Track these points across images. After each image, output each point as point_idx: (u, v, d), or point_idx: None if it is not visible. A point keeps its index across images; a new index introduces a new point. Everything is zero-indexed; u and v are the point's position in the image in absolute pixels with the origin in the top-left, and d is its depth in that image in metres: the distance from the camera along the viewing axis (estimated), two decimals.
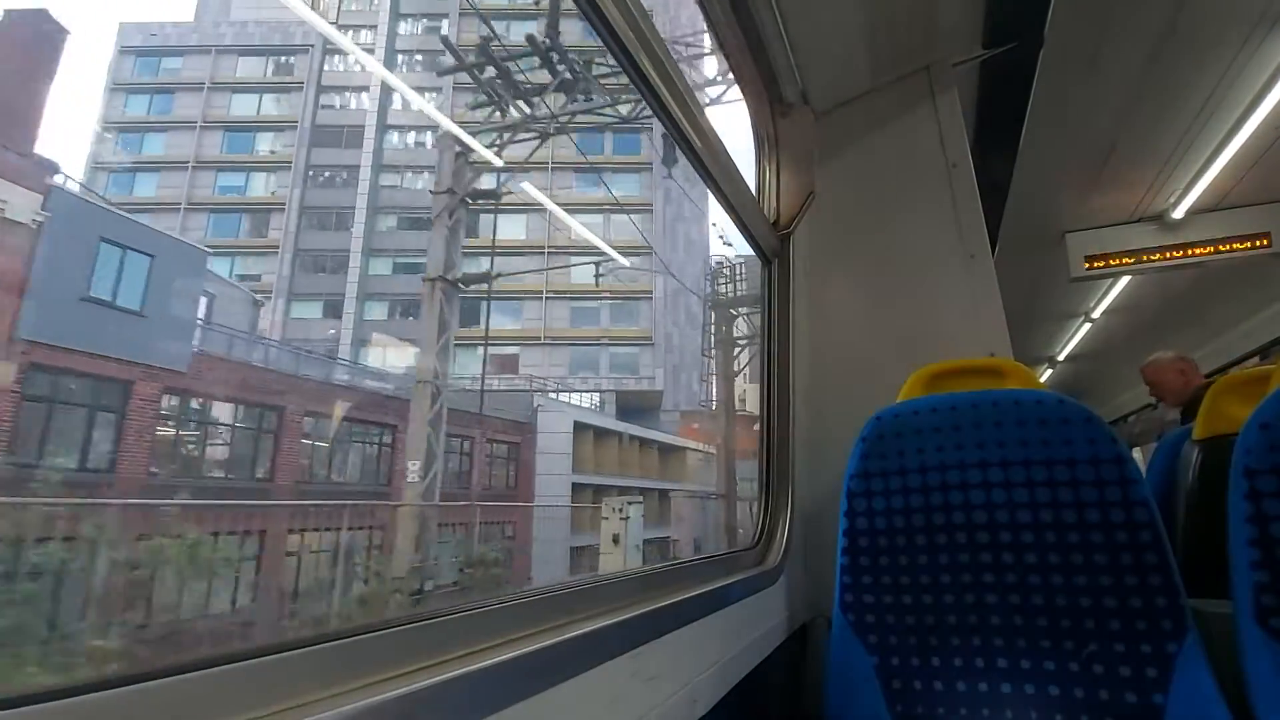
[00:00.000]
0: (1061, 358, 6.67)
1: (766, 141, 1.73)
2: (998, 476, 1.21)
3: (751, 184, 1.60)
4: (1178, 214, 3.55)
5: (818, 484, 1.58)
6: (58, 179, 8.46)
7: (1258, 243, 3.49)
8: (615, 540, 9.93)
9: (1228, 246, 3.57)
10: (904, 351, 1.62)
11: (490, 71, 9.38)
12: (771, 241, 1.64)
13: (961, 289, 1.63)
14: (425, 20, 35.09)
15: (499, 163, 9.91)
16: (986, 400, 1.27)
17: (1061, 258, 3.83)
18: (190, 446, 12.25)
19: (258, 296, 22.19)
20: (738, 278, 17.33)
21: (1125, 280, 4.49)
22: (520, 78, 9.56)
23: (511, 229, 32.00)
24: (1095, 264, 3.78)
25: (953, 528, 1.22)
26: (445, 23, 33.53)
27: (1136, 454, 4.58)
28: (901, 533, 1.24)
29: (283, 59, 34.41)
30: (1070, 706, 1.09)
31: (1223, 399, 1.50)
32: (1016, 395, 1.25)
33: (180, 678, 0.43)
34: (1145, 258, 3.72)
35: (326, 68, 34.54)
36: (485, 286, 13.18)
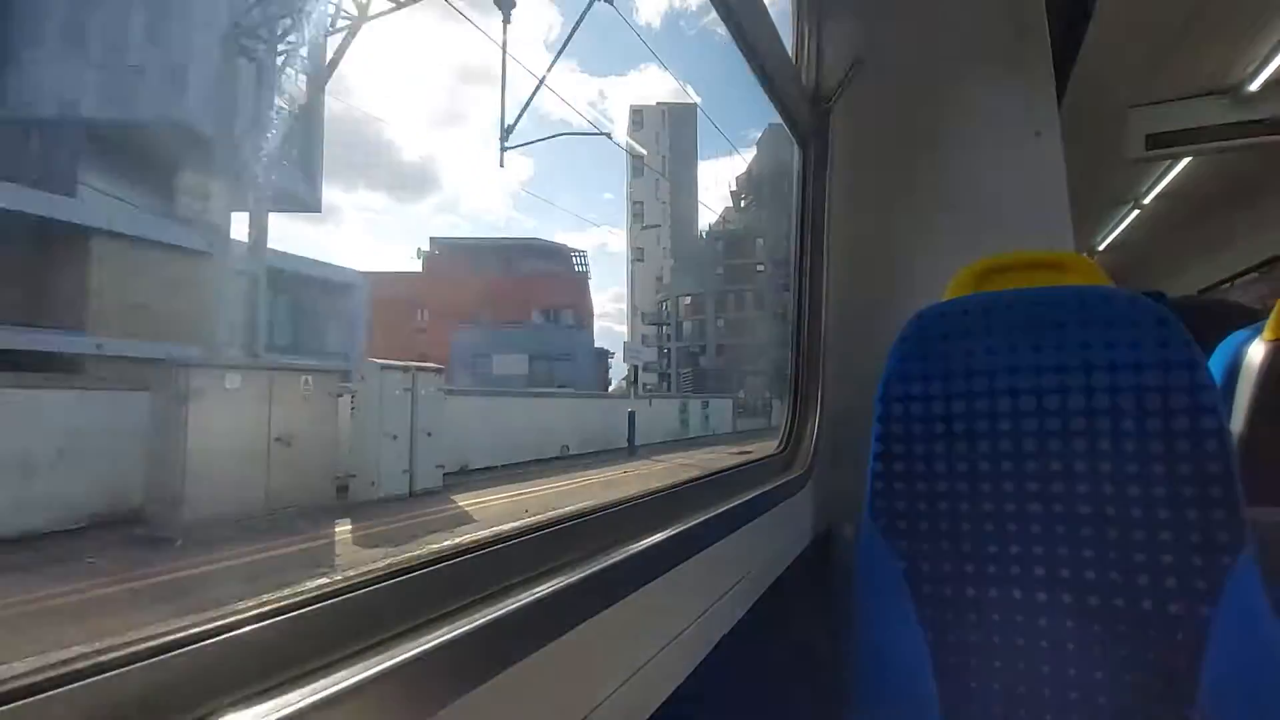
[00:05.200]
0: (1102, 248, 6.35)
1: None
2: (1052, 382, 1.12)
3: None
4: (1254, 86, 3.19)
5: (850, 385, 1.49)
6: None
7: None
8: None
9: None
10: (954, 243, 1.48)
11: None
12: (808, 118, 1.46)
13: (1023, 172, 1.46)
14: None
15: None
16: (1047, 298, 1.15)
17: (1120, 136, 3.51)
18: None
19: None
20: None
21: (1185, 161, 4.15)
22: None
23: None
24: (1159, 143, 3.47)
25: (997, 435, 1.14)
26: None
27: None
28: (940, 439, 1.17)
29: None
30: (1109, 616, 1.05)
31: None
32: (1082, 292, 1.14)
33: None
34: (1215, 136, 3.39)
35: None
36: None
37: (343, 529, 7.19)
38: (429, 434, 9.32)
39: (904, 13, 1.57)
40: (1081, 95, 2.97)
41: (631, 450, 17.89)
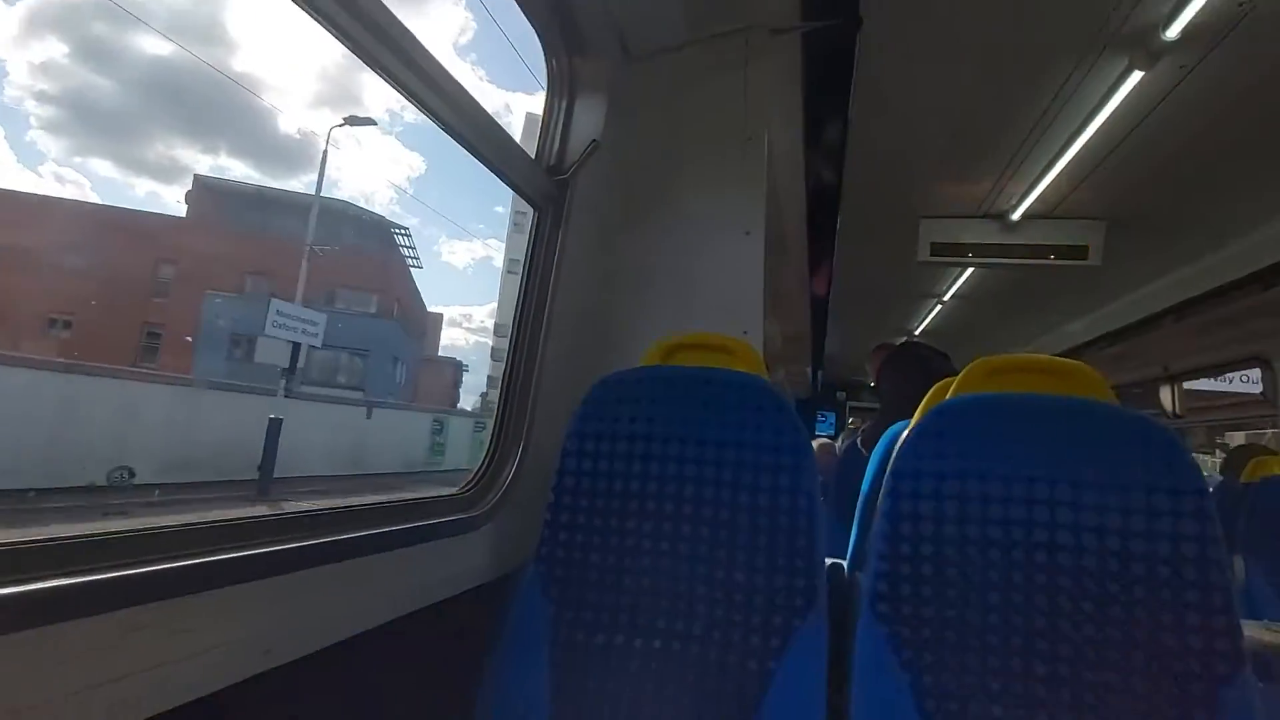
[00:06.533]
0: (918, 332, 7.10)
1: (559, 79, 1.64)
2: (693, 453, 1.27)
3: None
4: (1015, 216, 3.75)
5: (554, 437, 1.59)
6: None
7: (1077, 256, 3.76)
8: None
9: (1054, 252, 3.83)
10: (663, 317, 1.63)
11: None
12: (545, 186, 1.58)
13: (729, 264, 1.65)
14: None
15: None
16: (702, 377, 1.30)
17: (914, 241, 3.99)
18: None
19: None
20: None
21: (970, 270, 4.75)
22: None
23: None
24: (941, 251, 3.97)
25: (645, 496, 1.27)
26: None
27: None
28: (602, 495, 1.28)
29: None
30: (697, 665, 1.19)
31: (933, 399, 1.61)
32: (731, 377, 1.30)
33: None
34: (984, 253, 3.93)
35: None
36: None
37: None
38: None
39: (650, 108, 1.74)
40: (870, 202, 3.36)
41: (262, 487, 10.99)
